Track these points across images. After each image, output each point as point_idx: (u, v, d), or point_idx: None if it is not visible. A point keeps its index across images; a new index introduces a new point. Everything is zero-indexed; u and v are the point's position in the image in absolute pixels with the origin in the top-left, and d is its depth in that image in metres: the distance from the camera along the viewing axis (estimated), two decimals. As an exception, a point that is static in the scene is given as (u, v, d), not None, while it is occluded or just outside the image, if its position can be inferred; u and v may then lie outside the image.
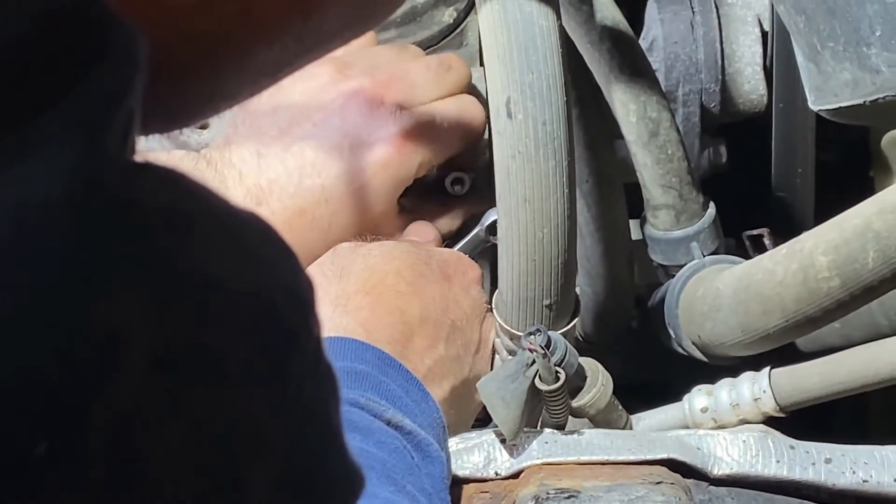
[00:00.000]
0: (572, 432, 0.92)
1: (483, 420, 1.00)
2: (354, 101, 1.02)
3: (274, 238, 0.43)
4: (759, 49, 1.22)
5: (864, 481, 0.90)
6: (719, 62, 1.21)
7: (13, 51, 0.36)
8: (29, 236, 0.35)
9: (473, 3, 1.13)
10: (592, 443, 0.90)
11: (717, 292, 1.00)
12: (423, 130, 1.03)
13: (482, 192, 1.05)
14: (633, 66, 1.07)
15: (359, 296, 0.95)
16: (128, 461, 0.37)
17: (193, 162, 1.01)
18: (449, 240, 1.08)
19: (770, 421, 0.99)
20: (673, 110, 1.13)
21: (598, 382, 0.94)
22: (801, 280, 0.90)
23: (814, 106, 0.86)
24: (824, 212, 0.95)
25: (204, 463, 0.39)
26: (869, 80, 0.81)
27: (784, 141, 1.20)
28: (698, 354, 1.06)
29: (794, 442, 0.92)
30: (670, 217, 1.10)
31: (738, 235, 1.18)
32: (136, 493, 0.37)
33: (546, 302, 0.94)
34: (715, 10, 1.21)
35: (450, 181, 1.07)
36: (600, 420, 0.96)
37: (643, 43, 1.19)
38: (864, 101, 0.82)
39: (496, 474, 0.90)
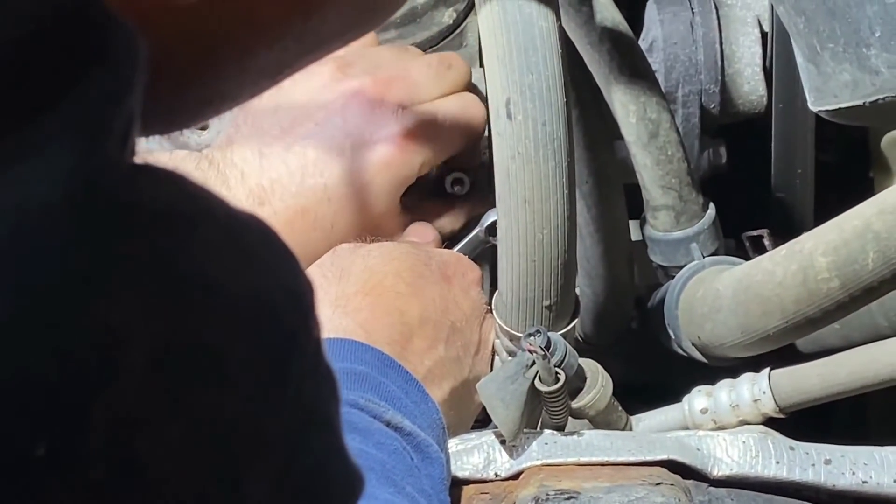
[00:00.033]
0: (572, 433, 0.92)
1: (483, 421, 1.00)
2: (356, 101, 1.02)
3: (274, 239, 0.43)
4: (759, 50, 1.22)
5: (863, 482, 0.90)
6: (719, 63, 1.21)
7: (13, 51, 0.36)
8: (29, 237, 0.35)
9: (473, 4, 1.13)
10: (592, 444, 0.90)
11: (716, 293, 1.00)
12: (425, 129, 1.03)
13: (483, 193, 1.05)
14: (633, 67, 1.07)
15: (358, 297, 0.95)
16: (127, 461, 0.37)
17: (195, 162, 1.00)
18: (448, 241, 1.08)
19: (770, 422, 0.99)
20: (673, 111, 1.13)
21: (598, 383, 0.94)
22: (800, 281, 0.90)
23: (813, 107, 0.86)
24: (824, 213, 0.95)
25: (204, 463, 0.39)
26: (868, 81, 0.81)
27: (784, 142, 1.20)
28: (698, 355, 1.06)
29: (793, 443, 0.92)
30: (670, 218, 1.10)
31: (737, 236, 1.18)
32: (135, 494, 0.37)
33: (546, 303, 0.94)
34: (714, 11, 1.21)
35: (450, 181, 1.07)
36: (600, 421, 0.96)
37: (643, 44, 1.19)
38: (864, 102, 0.82)
39: (496, 475, 0.90)
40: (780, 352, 0.99)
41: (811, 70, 0.84)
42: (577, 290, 0.98)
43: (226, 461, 0.40)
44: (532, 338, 0.90)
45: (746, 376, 1.00)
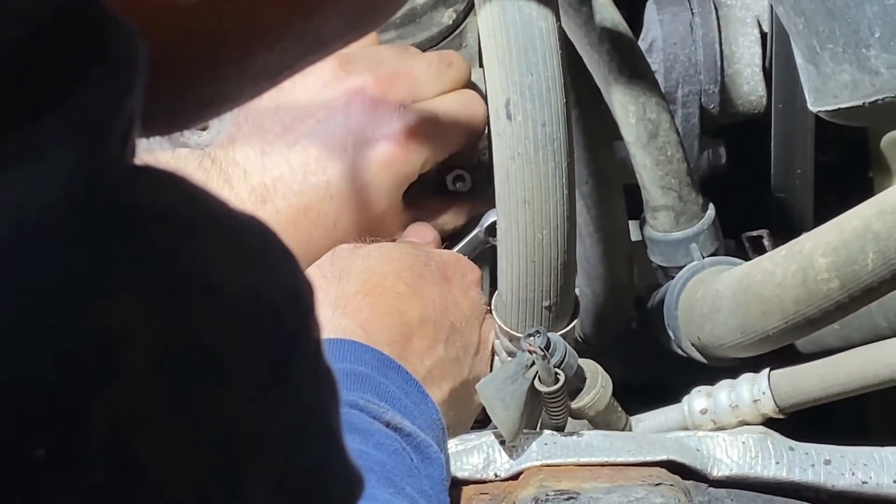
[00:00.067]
0: (572, 434, 0.92)
1: (482, 421, 1.00)
2: (358, 98, 1.02)
3: (273, 240, 0.43)
4: (759, 50, 1.22)
5: (863, 483, 0.90)
6: (718, 63, 1.21)
7: (13, 51, 0.36)
8: (29, 237, 0.35)
9: (473, 5, 1.13)
10: (592, 444, 0.90)
11: (716, 294, 1.00)
12: (427, 126, 1.03)
13: (485, 190, 1.05)
14: (633, 67, 1.07)
15: (358, 297, 0.95)
16: (128, 462, 0.37)
17: (198, 160, 1.00)
18: (448, 241, 1.08)
19: (769, 422, 0.99)
20: (672, 111, 1.13)
21: (598, 384, 0.94)
22: (800, 281, 0.90)
23: (813, 107, 0.86)
24: (824, 213, 0.95)
25: (204, 463, 0.39)
26: (868, 82, 0.81)
27: (783, 142, 1.20)
28: (697, 356, 1.06)
29: (793, 443, 0.92)
30: (670, 218, 1.10)
31: (737, 237, 1.18)
32: (135, 494, 0.37)
33: (545, 303, 0.94)
34: (714, 12, 1.21)
35: (451, 178, 1.07)
36: (600, 421, 0.96)
37: (642, 44, 1.19)
38: (864, 103, 0.82)
39: (495, 476, 0.90)
40: (780, 352, 0.99)
41: (811, 70, 0.84)
42: (577, 291, 0.98)
43: (226, 461, 0.40)
44: (532, 338, 0.90)
45: (746, 377, 1.00)
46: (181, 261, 0.39)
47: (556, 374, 0.90)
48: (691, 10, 1.21)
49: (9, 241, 0.35)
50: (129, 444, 0.37)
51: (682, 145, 1.09)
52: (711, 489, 0.90)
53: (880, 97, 0.81)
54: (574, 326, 0.97)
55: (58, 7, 0.37)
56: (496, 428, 0.90)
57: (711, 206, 1.11)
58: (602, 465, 0.89)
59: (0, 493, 0.35)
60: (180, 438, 0.38)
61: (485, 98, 1.04)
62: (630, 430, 1.00)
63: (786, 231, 1.13)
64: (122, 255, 0.37)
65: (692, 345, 1.06)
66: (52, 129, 0.36)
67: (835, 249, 0.88)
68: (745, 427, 0.98)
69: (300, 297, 0.43)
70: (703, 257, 1.10)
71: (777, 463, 0.90)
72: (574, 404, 0.94)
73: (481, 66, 0.98)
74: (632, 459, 0.89)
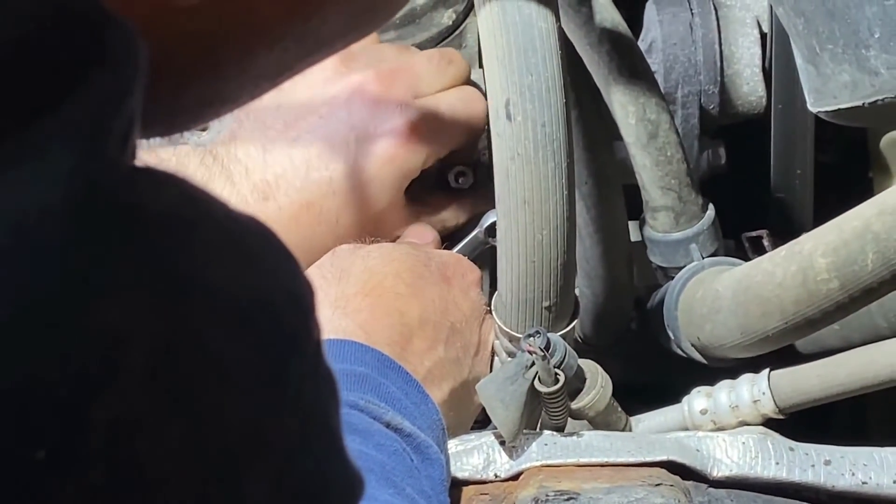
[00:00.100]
0: (572, 434, 0.92)
1: (482, 422, 1.00)
2: (360, 94, 1.02)
3: (273, 241, 0.43)
4: (758, 51, 1.22)
5: (863, 483, 0.90)
6: (718, 64, 1.21)
7: (13, 51, 0.36)
8: (29, 238, 0.35)
9: (472, 5, 1.13)
10: (592, 444, 0.90)
11: (716, 294, 1.00)
12: (429, 122, 1.03)
13: (487, 187, 1.05)
14: (632, 67, 1.07)
15: (358, 298, 0.95)
16: (128, 462, 0.37)
17: (199, 157, 1.00)
18: (448, 242, 1.08)
19: (769, 423, 0.99)
20: (672, 112, 1.13)
21: (598, 384, 0.94)
22: (800, 282, 0.90)
23: (813, 108, 0.86)
24: (823, 213, 0.95)
25: (204, 464, 0.39)
26: (868, 82, 0.81)
27: (783, 142, 1.20)
28: (697, 356, 1.06)
29: (793, 444, 0.92)
30: (669, 219, 1.10)
31: (737, 237, 1.18)
32: (135, 495, 0.37)
33: (545, 304, 0.94)
34: (714, 12, 1.21)
35: (453, 175, 1.07)
36: (600, 422, 0.96)
37: (642, 44, 1.19)
38: (863, 103, 0.82)
39: (495, 476, 0.90)
40: (780, 353, 0.99)
41: (810, 71, 0.84)
42: (577, 291, 0.98)
43: (226, 462, 0.40)
44: (531, 339, 0.90)
45: (746, 377, 1.00)
46: (181, 261, 0.39)
47: (556, 374, 0.90)
48: (691, 10, 1.21)
49: (9, 242, 0.35)
50: (129, 445, 0.37)
51: (681, 146, 1.09)
52: (711, 489, 0.90)
53: (880, 98, 0.81)
54: (574, 327, 0.97)
55: (58, 7, 0.37)
56: (496, 428, 0.90)
57: (711, 206, 1.11)
58: (602, 465, 0.89)
59: (1, 495, 0.35)
60: (180, 439, 0.38)
61: (485, 97, 1.04)
62: (630, 430, 1.00)
63: (786, 231, 1.13)
64: (122, 256, 0.37)
65: (692, 345, 1.06)
66: (51, 130, 0.36)
67: (835, 250, 0.88)
68: (745, 427, 0.98)
69: (300, 298, 0.43)
70: (703, 258, 1.10)
71: (777, 463, 0.90)
72: (574, 405, 0.94)
73: (481, 66, 0.98)
74: (632, 460, 0.89)
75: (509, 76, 0.89)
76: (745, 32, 1.22)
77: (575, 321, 0.97)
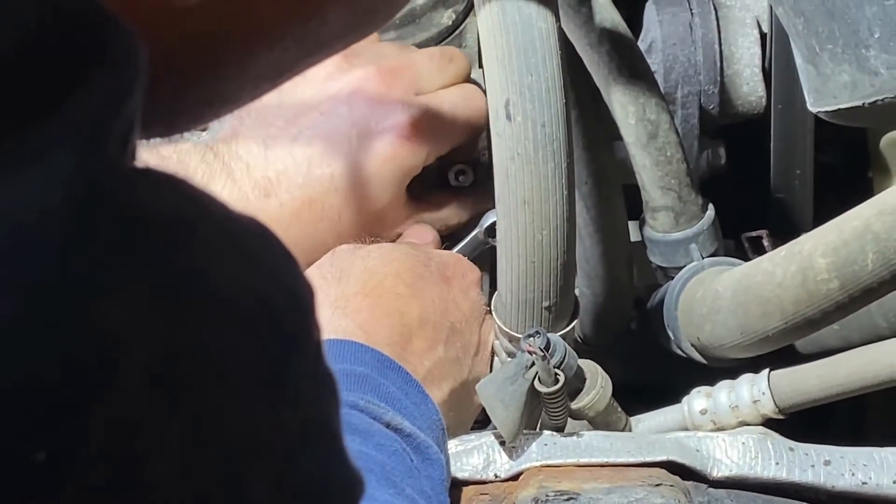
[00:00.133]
0: (571, 434, 0.92)
1: (482, 422, 1.00)
2: (361, 91, 1.02)
3: (273, 242, 0.43)
4: (758, 51, 1.22)
5: (863, 483, 0.90)
6: (718, 64, 1.21)
7: (13, 52, 0.36)
8: (29, 238, 0.35)
9: (472, 6, 1.13)
10: (592, 445, 0.90)
11: (716, 294, 1.00)
12: (431, 120, 1.03)
13: (488, 186, 1.05)
14: (632, 67, 1.07)
15: (358, 298, 0.95)
16: (128, 463, 0.37)
17: (200, 154, 1.00)
18: (448, 242, 1.08)
19: (769, 423, 0.99)
20: (672, 112, 1.13)
21: (598, 384, 0.94)
22: (800, 282, 0.90)
23: (812, 108, 0.86)
24: (823, 213, 0.95)
25: (204, 464, 0.39)
26: (868, 82, 0.81)
27: (783, 142, 1.20)
28: (697, 356, 1.06)
29: (793, 444, 0.92)
30: (669, 219, 1.10)
31: (737, 237, 1.18)
32: (136, 495, 0.37)
33: (545, 304, 0.94)
34: (713, 12, 1.21)
35: (454, 173, 1.07)
36: (599, 422, 0.96)
37: (642, 45, 1.19)
38: (863, 103, 0.82)
39: (495, 476, 0.90)
40: (780, 353, 0.99)
41: (810, 71, 0.84)
42: (577, 291, 0.98)
43: (226, 462, 0.40)
44: (531, 339, 0.89)
45: (746, 377, 1.00)
46: (181, 262, 0.39)
47: (556, 374, 0.90)
48: (691, 10, 1.21)
49: (9, 243, 0.35)
50: (129, 445, 0.37)
51: (681, 146, 1.09)
52: (711, 490, 0.90)
53: (880, 98, 0.81)
54: (574, 327, 0.97)
55: (58, 8, 0.37)
56: (496, 428, 0.90)
57: (711, 206, 1.11)
58: (602, 465, 0.89)
59: (1, 496, 0.35)
60: (180, 439, 0.38)
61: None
62: (630, 430, 1.00)
63: (785, 231, 1.13)
64: (123, 257, 0.37)
65: (692, 345, 1.06)
66: (51, 131, 0.36)
67: (834, 250, 0.88)
68: (745, 427, 0.98)
69: (300, 299, 0.43)
70: (703, 258, 1.10)
71: (777, 463, 0.90)
72: (574, 405, 0.94)
73: (481, 66, 0.98)
74: (632, 460, 0.89)
75: (509, 76, 0.89)
76: (744, 32, 1.22)
77: (575, 321, 0.97)
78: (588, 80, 1.08)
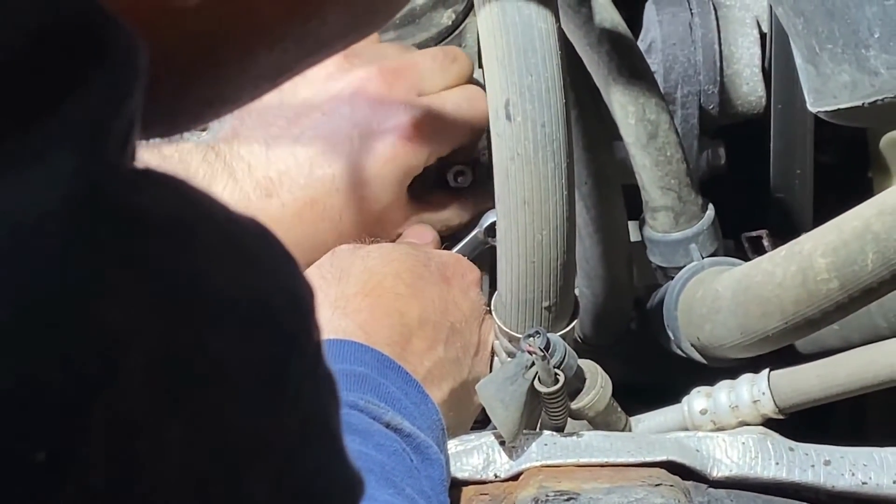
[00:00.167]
0: (571, 434, 0.92)
1: (482, 422, 1.00)
2: (363, 90, 1.02)
3: (273, 242, 0.43)
4: (758, 51, 1.22)
5: (863, 483, 0.90)
6: (718, 64, 1.21)
7: (13, 53, 0.36)
8: (29, 239, 0.35)
9: (472, 6, 1.12)
10: (592, 445, 0.90)
11: (716, 294, 1.00)
12: (433, 120, 1.03)
13: (488, 187, 1.05)
14: (632, 68, 1.07)
15: (358, 298, 0.95)
16: (128, 464, 0.37)
17: (201, 154, 1.00)
18: (447, 242, 1.07)
19: (769, 423, 0.99)
20: (671, 112, 1.13)
21: (598, 384, 0.94)
22: (800, 282, 0.90)
23: (812, 108, 0.86)
24: (823, 213, 0.95)
25: (204, 466, 0.39)
26: (868, 82, 0.81)
27: (783, 142, 1.20)
28: (697, 356, 1.06)
29: (793, 444, 0.92)
30: (669, 219, 1.10)
31: (736, 237, 1.18)
32: (136, 496, 0.37)
33: (545, 304, 0.94)
34: (713, 12, 1.21)
35: (452, 174, 1.07)
36: (599, 422, 0.96)
37: (641, 45, 1.19)
38: (863, 103, 0.82)
39: (495, 476, 0.90)
40: (780, 353, 0.99)
41: (810, 71, 0.84)
42: (577, 291, 0.98)
43: (226, 462, 0.40)
44: (531, 339, 0.89)
45: (746, 377, 1.00)
46: (181, 263, 0.39)
47: (556, 374, 0.90)
48: (690, 10, 1.21)
49: (9, 243, 0.35)
50: (129, 445, 0.37)
51: (681, 146, 1.09)
52: (711, 490, 0.90)
53: (880, 98, 0.81)
54: (574, 327, 0.97)
55: (58, 9, 0.37)
56: (496, 428, 0.90)
57: (711, 206, 1.11)
58: (602, 465, 0.89)
59: (2, 498, 0.35)
60: (180, 440, 0.38)
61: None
62: (630, 430, 1.00)
63: (785, 231, 1.13)
64: (122, 257, 0.37)
65: (692, 345, 1.06)
66: (51, 131, 0.36)
67: (834, 250, 0.88)
68: (745, 427, 0.98)
69: (300, 299, 0.43)
70: (703, 258, 1.10)
71: (777, 463, 0.90)
72: (574, 405, 0.94)
73: (481, 66, 0.98)
74: (632, 460, 0.89)
75: (509, 76, 0.89)
76: (744, 32, 1.22)
77: (575, 321, 0.97)
78: (588, 80, 1.08)
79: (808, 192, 1.20)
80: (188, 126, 0.50)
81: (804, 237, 0.93)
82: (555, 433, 0.92)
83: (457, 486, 0.90)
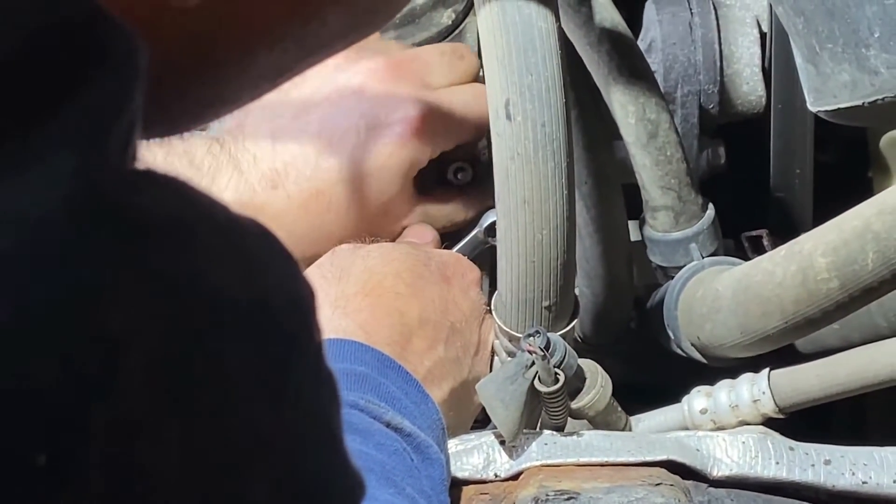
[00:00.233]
0: (572, 434, 0.92)
1: (482, 421, 1.00)
2: (370, 82, 1.02)
3: (274, 243, 0.43)
4: (758, 50, 1.22)
5: (863, 483, 0.90)
6: (718, 63, 1.21)
7: (13, 55, 0.36)
8: (30, 243, 0.35)
9: (472, 5, 1.13)
10: (592, 444, 0.90)
11: (716, 294, 1.00)
12: (439, 115, 1.03)
13: (491, 185, 1.05)
14: (632, 67, 1.07)
15: (358, 297, 0.95)
16: (128, 465, 0.37)
17: (206, 146, 1.00)
18: (448, 241, 1.07)
19: (769, 422, 0.99)
20: (671, 111, 1.13)
21: (598, 384, 0.94)
22: (800, 281, 0.90)
23: (812, 107, 0.86)
24: (823, 213, 0.95)
25: (204, 466, 0.39)
26: (868, 82, 0.81)
27: (783, 142, 1.20)
28: (697, 356, 1.06)
29: (793, 443, 0.92)
30: (669, 218, 1.10)
31: (736, 237, 1.18)
32: (136, 496, 0.37)
33: (545, 303, 0.94)
34: (713, 12, 1.21)
35: (453, 170, 1.07)
36: (599, 421, 0.96)
37: (641, 44, 1.19)
38: (863, 103, 0.82)
39: (495, 476, 0.90)
40: (780, 352, 0.99)
41: (810, 70, 0.84)
42: (577, 291, 0.98)
43: (226, 462, 0.40)
44: (531, 338, 0.89)
45: (746, 377, 1.00)
46: (181, 263, 0.39)
47: (556, 374, 0.90)
48: (690, 10, 1.21)
49: (10, 244, 0.35)
50: (129, 446, 0.37)
51: (681, 145, 1.09)
52: (711, 489, 0.90)
53: (880, 97, 0.81)
54: (574, 326, 0.97)
55: (58, 9, 0.37)
56: (496, 428, 0.90)
57: (711, 206, 1.11)
58: (602, 465, 0.89)
59: (2, 499, 0.35)
60: (180, 440, 0.38)
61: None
62: (630, 430, 1.00)
63: (785, 231, 1.13)
64: (123, 258, 0.37)
65: (692, 345, 1.06)
66: (52, 132, 0.36)
67: (835, 249, 0.88)
68: (745, 427, 0.98)
69: (300, 300, 0.43)
70: (703, 257, 1.10)
71: (777, 463, 0.90)
72: (574, 404, 0.94)
73: (481, 66, 0.98)
74: (632, 459, 0.89)
75: (509, 76, 0.89)
76: (744, 32, 1.22)
77: (575, 321, 0.97)
78: (588, 79, 1.08)
79: (808, 191, 1.20)
80: (188, 126, 0.50)
81: (804, 237, 0.93)
82: (555, 433, 0.92)
83: (457, 485, 0.90)
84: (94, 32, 0.38)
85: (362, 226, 1.02)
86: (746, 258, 1.08)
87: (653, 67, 1.14)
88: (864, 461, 0.90)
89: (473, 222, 1.08)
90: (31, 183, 0.36)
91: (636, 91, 1.06)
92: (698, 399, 1.01)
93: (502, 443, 0.91)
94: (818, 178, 1.21)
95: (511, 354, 0.97)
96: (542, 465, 0.90)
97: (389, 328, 0.94)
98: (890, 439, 0.94)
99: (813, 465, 0.90)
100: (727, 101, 1.22)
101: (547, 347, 0.89)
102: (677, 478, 0.88)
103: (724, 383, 1.01)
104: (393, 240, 1.05)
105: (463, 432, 0.95)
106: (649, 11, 1.22)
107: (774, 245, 1.07)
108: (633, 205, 1.13)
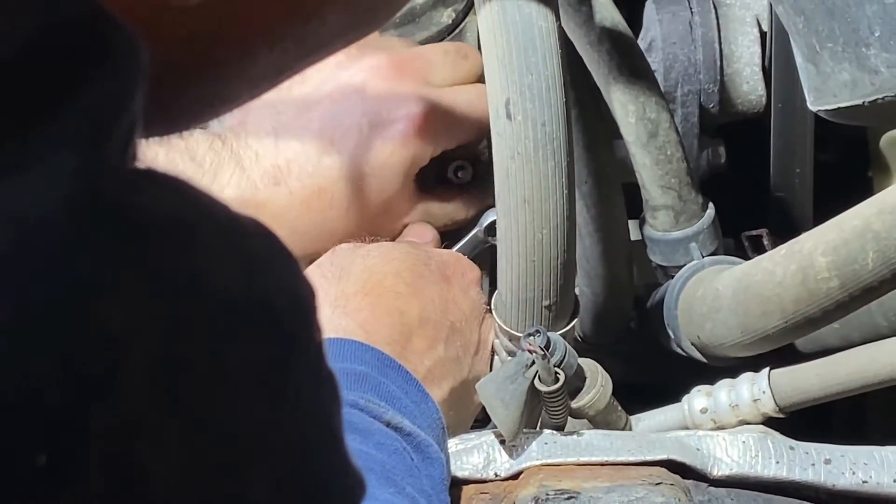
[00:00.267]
0: (572, 433, 0.92)
1: (482, 421, 1.00)
2: (373, 78, 1.02)
3: (274, 242, 0.43)
4: (758, 49, 1.22)
5: (863, 482, 0.90)
6: (718, 62, 1.21)
7: (14, 55, 0.36)
8: (30, 240, 0.35)
9: (472, 4, 1.12)
10: (592, 444, 0.90)
11: (716, 293, 1.00)
12: (443, 113, 1.02)
13: (491, 183, 1.05)
14: (632, 66, 1.07)
15: (358, 297, 0.95)
16: (128, 466, 0.37)
17: (208, 143, 1.00)
18: (448, 241, 1.07)
19: (769, 422, 0.99)
20: (672, 111, 1.13)
21: (598, 383, 0.94)
22: (800, 281, 0.90)
23: (812, 106, 0.86)
24: (823, 212, 0.95)
25: (204, 466, 0.39)
26: (868, 81, 0.81)
27: (783, 141, 1.20)
28: (697, 355, 1.06)
29: (793, 443, 0.92)
30: (669, 218, 1.10)
31: (737, 236, 1.18)
32: (136, 496, 0.37)
33: (545, 303, 0.94)
34: (713, 11, 1.21)
35: (453, 169, 1.07)
36: (600, 421, 0.96)
37: (642, 43, 1.19)
38: (863, 102, 0.82)
39: (496, 475, 0.90)
40: (780, 351, 0.99)
41: (810, 69, 0.84)
42: (577, 290, 0.98)
43: (226, 462, 0.40)
44: (531, 338, 0.89)
45: (746, 376, 1.00)
46: (181, 263, 0.39)
47: (556, 373, 0.90)
48: (690, 9, 1.21)
49: (10, 244, 0.35)
50: (129, 446, 0.37)
51: (681, 145, 1.09)
52: (711, 488, 0.90)
53: (880, 96, 0.81)
54: (574, 326, 0.97)
55: (58, 9, 0.37)
56: (496, 427, 0.90)
57: (711, 205, 1.11)
58: (602, 464, 0.89)
59: (3, 500, 0.35)
60: (180, 441, 0.38)
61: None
62: (630, 429, 1.00)
63: (785, 230, 1.13)
64: (123, 258, 0.37)
65: (692, 344, 1.06)
66: (52, 132, 0.36)
67: (835, 249, 0.88)
68: (745, 426, 0.98)
69: (300, 299, 0.43)
70: (703, 256, 1.10)
71: (777, 462, 0.90)
72: (574, 404, 0.94)
73: (483, 65, 0.98)
74: (632, 459, 0.89)
75: (509, 75, 0.89)
76: (744, 31, 1.22)
77: (575, 320, 0.97)
78: (588, 78, 1.08)
79: (808, 190, 1.20)
80: (188, 125, 0.50)
81: (804, 236, 0.93)
82: (555, 432, 0.92)
83: (457, 484, 0.90)
84: (95, 32, 0.38)
85: (363, 223, 1.01)
86: (746, 257, 1.08)
87: (653, 67, 1.14)
88: (865, 460, 0.90)
89: (473, 221, 1.08)
90: (31, 183, 0.36)
91: (636, 90, 1.06)
92: (698, 398, 1.01)
93: (502, 442, 0.91)
94: (818, 178, 1.21)
95: (511, 354, 0.97)
96: (543, 465, 0.90)
97: (389, 327, 0.94)
98: (890, 439, 0.94)
99: (813, 465, 0.90)
100: (727, 100, 1.22)
101: (547, 347, 0.89)
102: (677, 477, 0.88)
103: (725, 383, 1.01)
104: (393, 238, 1.05)
105: (463, 432, 0.95)
106: (649, 10, 1.22)
107: (774, 244, 1.07)
108: (633, 204, 1.13)
